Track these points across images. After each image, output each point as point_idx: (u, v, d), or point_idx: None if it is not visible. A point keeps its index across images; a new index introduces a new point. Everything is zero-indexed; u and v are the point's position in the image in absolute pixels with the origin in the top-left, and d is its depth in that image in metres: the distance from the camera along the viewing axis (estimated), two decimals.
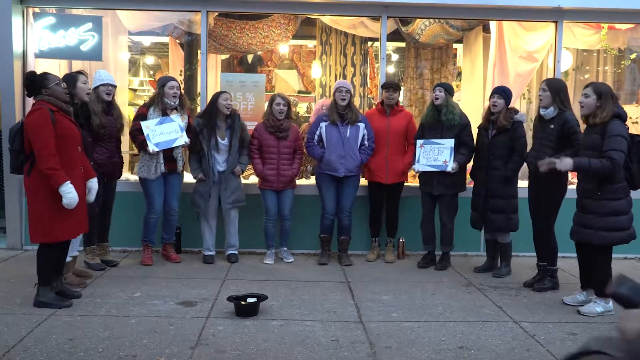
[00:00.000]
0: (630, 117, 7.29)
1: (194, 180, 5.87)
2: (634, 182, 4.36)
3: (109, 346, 3.62)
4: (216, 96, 5.70)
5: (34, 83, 4.24)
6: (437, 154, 5.56)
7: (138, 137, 5.51)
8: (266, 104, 6.60)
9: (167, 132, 5.51)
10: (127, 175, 6.53)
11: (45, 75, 4.30)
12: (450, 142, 5.53)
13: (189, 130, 5.72)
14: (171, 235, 5.92)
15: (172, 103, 5.59)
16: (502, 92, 5.38)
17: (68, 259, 4.81)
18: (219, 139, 5.67)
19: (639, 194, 4.45)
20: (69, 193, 4.07)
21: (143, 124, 5.45)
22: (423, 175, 5.73)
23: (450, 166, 5.51)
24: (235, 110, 5.81)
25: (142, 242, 5.78)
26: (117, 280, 5.12)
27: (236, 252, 5.95)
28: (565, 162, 4.33)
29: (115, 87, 5.46)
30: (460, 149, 5.58)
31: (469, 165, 5.85)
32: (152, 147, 5.42)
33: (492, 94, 5.46)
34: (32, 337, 3.74)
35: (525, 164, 5.37)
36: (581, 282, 4.69)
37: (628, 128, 4.35)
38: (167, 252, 5.89)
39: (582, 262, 4.63)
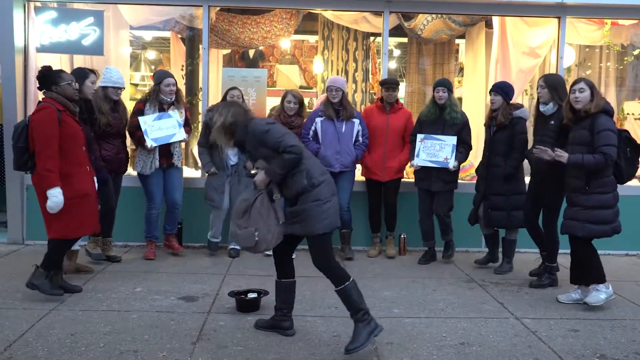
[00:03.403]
0: (633, 114, 7.30)
1: (194, 175, 5.86)
2: (622, 176, 4.39)
3: (110, 341, 3.62)
4: (226, 92, 5.74)
5: (47, 78, 4.22)
6: (438, 150, 5.54)
7: (136, 133, 5.50)
8: (268, 99, 6.61)
9: (165, 128, 5.51)
10: (128, 169, 6.52)
11: (59, 72, 4.29)
12: (452, 140, 5.52)
13: (187, 125, 5.71)
14: (174, 227, 5.90)
15: (168, 99, 5.59)
16: (499, 89, 5.37)
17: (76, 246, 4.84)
18: None
19: (631, 190, 4.44)
20: (55, 197, 4.05)
21: (141, 119, 5.44)
22: (420, 170, 5.71)
23: (452, 163, 5.50)
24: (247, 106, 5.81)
25: (146, 238, 5.79)
26: (118, 275, 5.12)
27: (238, 248, 5.96)
28: (560, 154, 4.38)
29: (123, 88, 5.46)
30: (458, 147, 5.57)
31: (474, 162, 5.85)
32: (150, 143, 5.42)
33: (490, 92, 5.47)
34: (34, 331, 3.74)
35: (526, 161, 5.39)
36: (570, 276, 4.68)
37: (622, 123, 4.37)
38: (170, 242, 5.88)
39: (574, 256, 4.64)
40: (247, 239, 3.53)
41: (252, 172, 3.67)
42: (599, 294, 4.46)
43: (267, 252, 5.85)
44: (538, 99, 5.03)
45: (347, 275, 3.59)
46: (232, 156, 5.73)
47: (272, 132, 3.50)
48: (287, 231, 3.63)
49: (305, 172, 3.51)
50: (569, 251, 4.64)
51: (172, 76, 5.69)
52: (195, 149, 6.57)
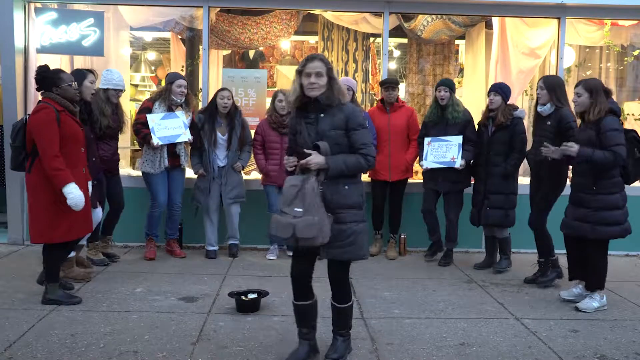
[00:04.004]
0: (633, 114, 7.30)
1: (194, 176, 5.88)
2: (628, 176, 4.38)
3: (110, 341, 3.62)
4: (216, 93, 5.75)
5: (46, 80, 4.18)
6: (445, 151, 5.56)
7: (141, 131, 5.52)
8: (268, 100, 6.61)
9: (171, 128, 5.53)
10: (128, 170, 6.53)
11: (58, 73, 4.23)
12: (458, 139, 5.53)
13: (192, 127, 5.73)
14: (175, 230, 5.94)
15: (178, 100, 5.61)
16: (499, 89, 5.38)
17: (72, 253, 4.82)
18: (219, 135, 5.69)
19: (630, 191, 4.45)
20: (70, 193, 4.03)
21: (149, 117, 5.47)
22: (428, 172, 5.72)
23: (459, 162, 5.51)
24: (236, 107, 5.82)
25: (146, 237, 5.80)
26: (118, 275, 5.12)
27: (237, 242, 5.97)
28: (570, 147, 4.28)
29: (124, 91, 5.47)
30: (465, 145, 5.58)
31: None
32: (155, 141, 5.44)
33: (489, 91, 5.48)
34: (34, 332, 3.75)
35: (525, 161, 5.39)
36: (569, 273, 4.69)
37: (622, 123, 4.36)
38: (172, 248, 5.91)
39: (571, 253, 4.64)
40: (309, 229, 3.01)
41: (306, 151, 3.15)
42: (592, 301, 4.46)
43: (270, 257, 5.89)
44: (537, 99, 5.04)
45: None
46: (221, 158, 5.74)
47: (367, 132, 3.26)
48: (331, 256, 3.24)
49: (362, 189, 3.27)
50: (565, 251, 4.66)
51: (184, 78, 5.74)
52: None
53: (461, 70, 8.49)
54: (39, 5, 6.27)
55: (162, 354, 3.46)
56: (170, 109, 5.60)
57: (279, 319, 4.10)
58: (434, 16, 6.98)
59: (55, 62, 6.34)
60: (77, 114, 4.33)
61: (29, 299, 4.36)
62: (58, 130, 4.06)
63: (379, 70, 7.65)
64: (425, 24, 7.06)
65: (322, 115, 3.22)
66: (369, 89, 7.86)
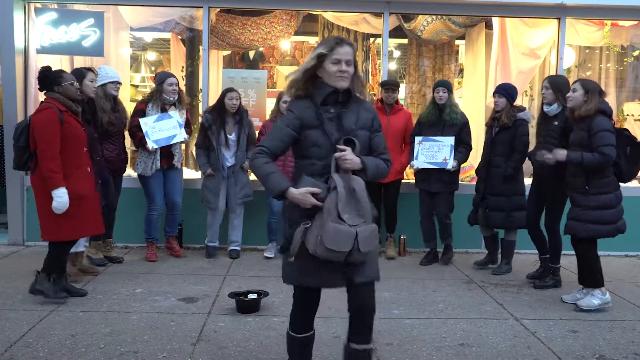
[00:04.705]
0: (632, 114, 7.30)
1: (194, 177, 5.87)
2: (622, 176, 4.41)
3: (110, 342, 3.63)
4: (223, 94, 5.74)
5: (48, 79, 4.22)
6: (436, 152, 5.56)
7: (137, 134, 5.51)
8: (268, 101, 6.62)
9: (165, 129, 5.52)
10: (128, 171, 6.52)
11: (60, 72, 4.30)
12: (450, 140, 5.53)
13: (188, 125, 5.73)
14: (174, 228, 5.93)
15: (171, 99, 5.60)
16: (503, 91, 5.37)
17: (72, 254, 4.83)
18: (227, 135, 5.68)
19: (630, 191, 4.45)
20: (59, 197, 4.06)
21: (141, 120, 5.45)
22: (420, 172, 5.72)
23: (451, 164, 5.51)
24: (243, 107, 5.83)
25: (146, 240, 5.79)
26: (118, 276, 5.13)
27: (238, 249, 5.97)
28: (558, 153, 4.36)
29: (121, 83, 5.48)
30: (458, 147, 5.58)
31: (474, 163, 5.86)
32: (151, 145, 5.43)
33: (493, 93, 5.47)
34: (34, 332, 3.75)
35: (526, 162, 5.39)
36: (578, 275, 4.69)
37: (614, 123, 4.38)
38: (171, 245, 5.90)
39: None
40: (370, 240, 2.59)
41: (339, 146, 2.61)
42: (592, 298, 4.47)
43: (267, 254, 5.89)
44: (543, 100, 5.03)
45: None
46: (229, 157, 5.74)
47: (383, 136, 2.86)
48: (367, 278, 2.69)
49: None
50: (571, 252, 4.65)
51: (174, 76, 5.72)
52: (195, 150, 6.59)
53: (461, 70, 8.49)
54: (39, 5, 6.28)
55: (162, 355, 3.47)
56: (163, 109, 5.59)
57: (279, 319, 4.11)
58: (434, 16, 6.98)
59: (55, 62, 6.35)
60: (79, 114, 4.36)
61: (29, 300, 4.36)
62: (60, 130, 4.09)
63: (379, 71, 7.65)
64: (425, 25, 7.07)
65: (344, 110, 2.71)
66: (369, 90, 7.86)
